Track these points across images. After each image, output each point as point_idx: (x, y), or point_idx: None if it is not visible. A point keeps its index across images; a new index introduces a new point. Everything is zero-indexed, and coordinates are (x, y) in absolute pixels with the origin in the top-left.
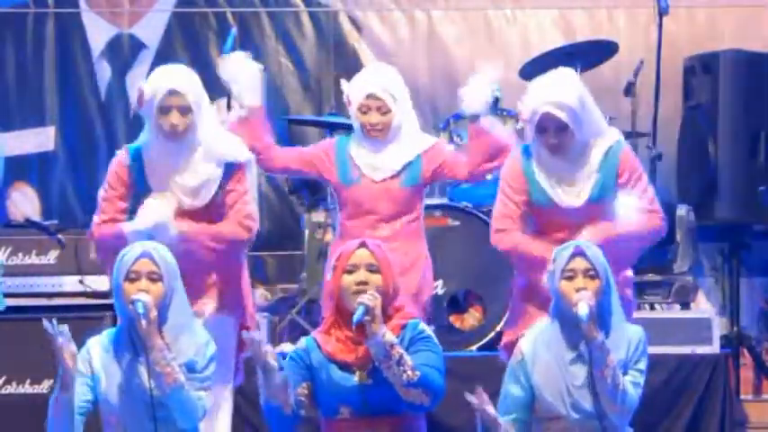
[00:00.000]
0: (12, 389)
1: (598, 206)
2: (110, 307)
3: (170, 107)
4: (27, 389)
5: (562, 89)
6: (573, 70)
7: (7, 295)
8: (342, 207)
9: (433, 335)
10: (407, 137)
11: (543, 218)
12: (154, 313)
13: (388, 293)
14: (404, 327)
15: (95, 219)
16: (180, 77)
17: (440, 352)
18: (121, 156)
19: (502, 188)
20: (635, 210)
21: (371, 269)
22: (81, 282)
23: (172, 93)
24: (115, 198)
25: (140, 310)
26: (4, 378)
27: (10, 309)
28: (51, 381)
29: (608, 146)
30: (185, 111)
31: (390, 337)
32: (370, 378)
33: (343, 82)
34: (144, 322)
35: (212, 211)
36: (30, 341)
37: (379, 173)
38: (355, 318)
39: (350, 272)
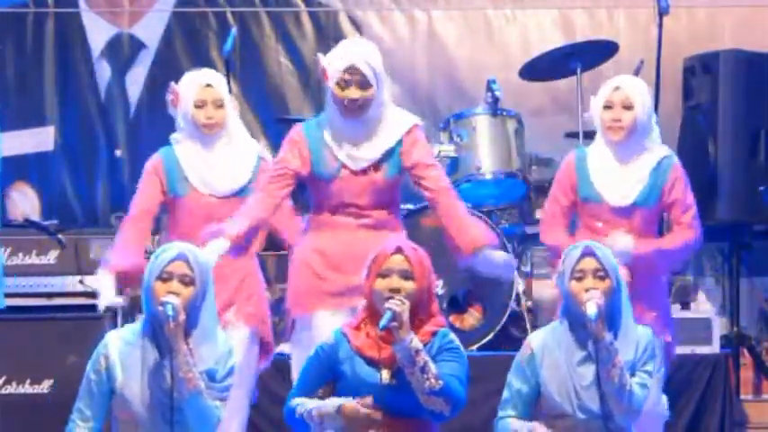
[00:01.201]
0: (12, 389)
1: (641, 210)
2: (109, 307)
3: (204, 101)
4: (27, 389)
5: (633, 78)
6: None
7: (7, 295)
8: (318, 200)
9: (461, 346)
10: (388, 121)
11: (587, 214)
12: (182, 316)
13: (422, 299)
14: (434, 334)
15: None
16: (212, 73)
17: (465, 363)
18: (153, 158)
19: (553, 187)
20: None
21: (405, 276)
22: (81, 282)
23: (207, 86)
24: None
25: (170, 312)
26: (4, 378)
27: (10, 309)
28: (51, 381)
29: (662, 155)
30: (219, 104)
31: (416, 343)
32: (395, 378)
33: (320, 56)
34: (172, 324)
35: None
36: (30, 341)
37: (360, 162)
38: (381, 323)
39: (384, 276)
